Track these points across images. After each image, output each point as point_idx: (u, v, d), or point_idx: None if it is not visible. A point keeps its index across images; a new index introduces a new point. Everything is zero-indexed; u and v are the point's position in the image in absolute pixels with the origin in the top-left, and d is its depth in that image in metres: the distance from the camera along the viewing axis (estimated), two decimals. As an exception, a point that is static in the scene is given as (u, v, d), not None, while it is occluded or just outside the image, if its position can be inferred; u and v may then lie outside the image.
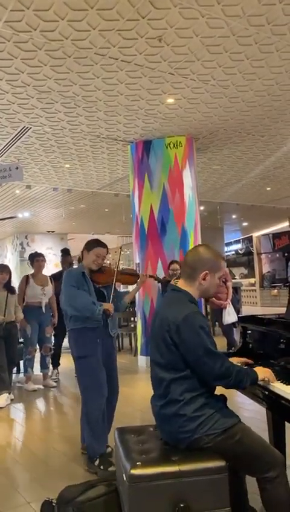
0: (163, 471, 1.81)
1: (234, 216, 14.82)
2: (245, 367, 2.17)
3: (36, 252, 6.28)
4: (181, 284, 2.15)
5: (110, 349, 3.34)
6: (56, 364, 6.28)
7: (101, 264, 3.36)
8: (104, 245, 3.37)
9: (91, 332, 3.19)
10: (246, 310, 13.93)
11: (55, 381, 5.91)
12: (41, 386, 5.74)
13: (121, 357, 7.88)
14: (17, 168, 5.88)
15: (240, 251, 19.99)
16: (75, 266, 5.52)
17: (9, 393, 5.10)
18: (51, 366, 6.14)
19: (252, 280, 18.20)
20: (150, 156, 6.79)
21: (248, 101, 5.60)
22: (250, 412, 3.87)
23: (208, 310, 8.68)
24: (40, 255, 6.09)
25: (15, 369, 6.12)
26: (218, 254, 2.17)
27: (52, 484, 2.82)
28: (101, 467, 3.01)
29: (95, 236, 4.66)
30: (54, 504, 2.27)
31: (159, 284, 6.38)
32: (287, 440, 2.58)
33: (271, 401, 2.04)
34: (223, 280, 6.77)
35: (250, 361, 2.41)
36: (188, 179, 6.77)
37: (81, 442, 3.34)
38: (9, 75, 4.66)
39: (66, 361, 5.95)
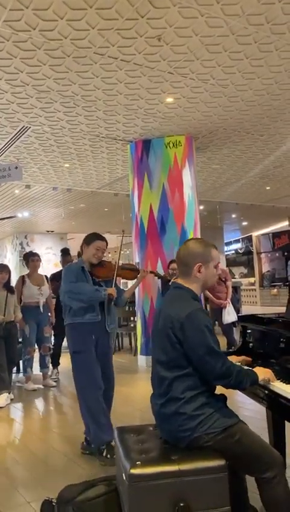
0: (163, 470, 1.81)
1: (233, 215, 14.82)
2: (245, 367, 2.16)
3: (31, 252, 6.26)
4: (180, 282, 2.14)
5: (106, 347, 3.37)
6: (56, 364, 6.27)
7: (101, 257, 3.37)
8: (103, 238, 3.39)
9: (88, 328, 3.22)
10: (246, 309, 13.93)
11: (55, 381, 5.91)
12: (41, 386, 5.74)
13: (121, 356, 7.89)
14: (16, 167, 5.88)
15: (239, 250, 19.99)
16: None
17: (9, 393, 5.10)
18: (50, 366, 6.14)
19: (251, 279, 18.21)
20: (149, 156, 6.79)
21: (247, 100, 5.60)
22: (250, 411, 3.87)
23: (208, 309, 8.69)
24: (35, 254, 6.07)
25: (15, 368, 6.12)
26: (207, 244, 2.16)
27: (52, 484, 2.82)
28: (108, 456, 3.09)
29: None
30: (53, 503, 2.27)
31: (159, 283, 6.38)
32: (287, 439, 2.58)
33: (271, 400, 2.04)
34: (223, 279, 6.79)
35: (249, 358, 2.41)
36: (187, 178, 6.77)
37: (86, 437, 3.37)
38: (9, 74, 4.66)
39: (66, 361, 5.94)
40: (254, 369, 2.06)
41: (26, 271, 6.08)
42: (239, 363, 2.29)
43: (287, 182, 10.22)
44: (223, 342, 6.80)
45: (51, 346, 6.13)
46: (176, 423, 1.94)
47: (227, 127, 6.51)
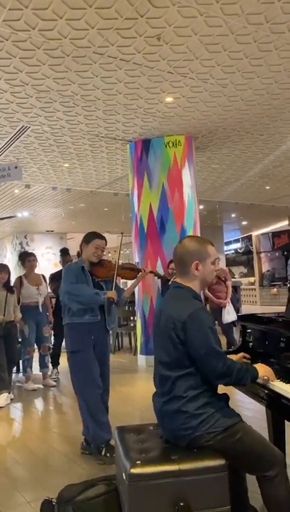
0: (163, 470, 1.81)
1: (233, 215, 14.82)
2: (245, 363, 2.17)
3: (26, 252, 6.24)
4: (180, 281, 2.14)
5: (104, 347, 3.38)
6: (56, 363, 6.27)
7: (101, 256, 3.37)
8: (102, 236, 3.39)
9: (87, 328, 3.22)
10: (246, 309, 13.93)
11: (54, 381, 5.91)
12: (41, 386, 5.74)
13: (121, 356, 7.89)
14: (16, 167, 5.87)
15: (239, 250, 19.99)
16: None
17: (9, 393, 5.10)
18: (50, 366, 6.14)
19: (251, 279, 18.20)
20: (149, 155, 6.78)
21: (247, 99, 5.60)
22: (250, 411, 3.87)
23: (208, 308, 8.69)
24: (31, 254, 6.05)
25: (15, 368, 6.12)
26: (203, 240, 2.15)
27: (52, 483, 2.82)
28: (108, 455, 3.10)
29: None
30: (53, 503, 2.27)
31: (159, 283, 6.38)
32: (287, 438, 2.58)
33: (271, 399, 2.04)
34: (223, 279, 6.79)
35: (247, 355, 2.40)
36: (187, 177, 6.77)
37: (85, 438, 3.36)
38: (8, 74, 4.65)
39: (66, 361, 5.94)
40: (254, 365, 2.06)
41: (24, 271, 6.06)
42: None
43: (287, 181, 10.22)
44: (223, 341, 6.79)
45: (51, 346, 6.12)
46: (178, 421, 1.94)
47: (227, 126, 6.51)
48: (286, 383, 2.01)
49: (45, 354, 5.86)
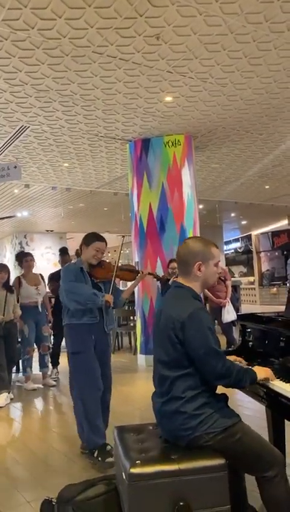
0: (162, 469, 1.81)
1: (233, 214, 14.82)
2: (245, 366, 2.16)
3: (23, 252, 6.24)
4: (181, 281, 2.14)
5: (105, 346, 3.36)
6: (55, 363, 6.27)
7: (100, 258, 3.36)
8: (102, 239, 3.36)
9: (86, 328, 3.21)
10: (246, 308, 13.93)
11: (54, 380, 5.90)
12: (40, 385, 5.74)
13: (121, 355, 7.89)
14: (15, 167, 5.88)
15: (239, 249, 19.99)
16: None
17: (8, 393, 5.10)
18: (50, 365, 6.13)
19: (251, 278, 18.20)
20: (148, 155, 6.78)
21: (246, 99, 5.59)
22: (250, 410, 3.87)
23: (207, 308, 8.69)
24: (29, 254, 6.05)
25: (14, 368, 6.11)
26: (207, 242, 2.15)
27: (51, 483, 2.82)
28: (99, 459, 3.06)
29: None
30: (53, 503, 2.27)
31: (159, 283, 6.37)
32: (287, 438, 2.58)
33: (271, 399, 2.04)
34: (223, 278, 6.79)
35: (240, 359, 2.38)
36: (186, 177, 6.77)
37: (80, 437, 3.34)
38: (7, 73, 4.65)
39: (66, 360, 5.94)
40: (253, 368, 2.06)
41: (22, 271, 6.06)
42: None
43: (287, 180, 10.22)
44: (222, 341, 6.80)
45: (50, 346, 6.12)
46: (177, 422, 1.94)
47: (226, 125, 6.51)
48: (286, 382, 2.01)
49: (44, 353, 5.85)
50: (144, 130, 6.49)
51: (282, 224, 16.49)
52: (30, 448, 3.60)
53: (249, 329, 2.69)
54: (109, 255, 12.73)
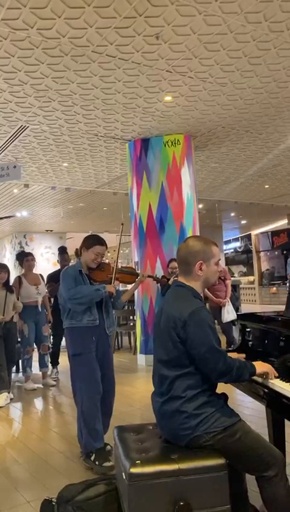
0: (162, 469, 1.81)
1: (232, 214, 14.82)
2: (243, 359, 2.17)
3: (24, 252, 6.23)
4: (182, 280, 2.14)
5: (106, 347, 3.33)
6: (55, 363, 6.27)
7: (99, 262, 3.34)
8: (103, 242, 3.31)
9: (87, 330, 3.19)
10: (245, 308, 13.94)
11: (54, 380, 5.91)
12: (40, 385, 5.74)
13: (121, 355, 7.89)
14: (15, 167, 5.88)
15: (239, 249, 20.00)
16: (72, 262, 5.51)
17: (8, 393, 5.10)
18: (50, 365, 6.13)
19: (251, 278, 18.22)
20: (148, 154, 6.78)
21: (246, 98, 5.59)
22: (250, 410, 3.87)
23: (207, 308, 8.69)
24: (29, 254, 6.05)
25: (14, 368, 6.12)
26: (208, 241, 2.15)
27: (51, 483, 2.82)
28: (96, 463, 3.03)
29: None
30: (53, 503, 2.27)
31: (158, 283, 6.37)
32: (287, 438, 2.58)
33: (271, 398, 2.04)
34: (222, 278, 6.79)
35: (242, 355, 2.40)
36: (186, 177, 6.77)
37: (78, 442, 3.32)
38: (6, 73, 4.65)
39: (66, 360, 5.95)
40: (253, 363, 2.06)
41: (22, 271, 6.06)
42: None
43: (286, 180, 10.23)
44: (222, 340, 6.80)
45: (50, 346, 6.11)
46: (177, 421, 1.93)
47: (226, 125, 6.51)
48: (286, 381, 2.01)
49: (44, 353, 5.85)
50: (144, 129, 6.49)
51: (282, 223, 16.50)
52: (30, 448, 3.60)
53: (249, 329, 2.69)
54: (109, 254, 12.73)
